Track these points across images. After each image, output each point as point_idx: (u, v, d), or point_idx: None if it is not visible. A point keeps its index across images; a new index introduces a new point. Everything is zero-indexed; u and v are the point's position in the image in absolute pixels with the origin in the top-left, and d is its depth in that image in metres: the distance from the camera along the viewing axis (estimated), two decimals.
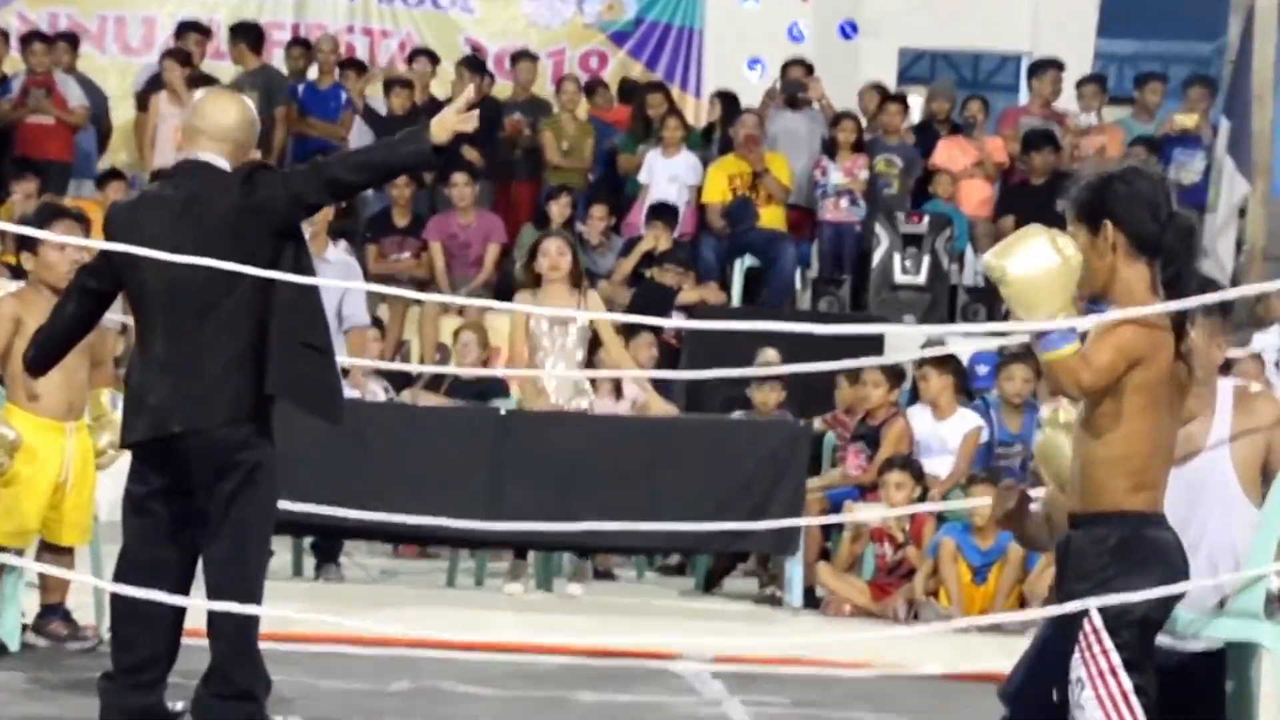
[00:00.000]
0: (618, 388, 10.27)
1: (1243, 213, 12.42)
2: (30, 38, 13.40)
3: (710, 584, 9.69)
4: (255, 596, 5.10)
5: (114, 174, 12.58)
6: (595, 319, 8.66)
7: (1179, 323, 4.23)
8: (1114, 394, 4.16)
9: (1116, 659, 4.08)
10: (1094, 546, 4.14)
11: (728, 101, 13.56)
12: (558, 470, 8.75)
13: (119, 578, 5.13)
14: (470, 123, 5.08)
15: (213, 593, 5.07)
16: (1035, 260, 4.16)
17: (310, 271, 5.15)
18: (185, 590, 5.17)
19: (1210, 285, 4.63)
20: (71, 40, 13.71)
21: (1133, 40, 20.22)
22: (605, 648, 6.89)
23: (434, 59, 14.01)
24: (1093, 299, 4.50)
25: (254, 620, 5.13)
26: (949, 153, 13.28)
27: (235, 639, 5.09)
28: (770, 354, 10.00)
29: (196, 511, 5.13)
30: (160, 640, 5.19)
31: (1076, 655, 4.11)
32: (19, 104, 13.05)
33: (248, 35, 13.51)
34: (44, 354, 5.45)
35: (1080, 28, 15.09)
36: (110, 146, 13.82)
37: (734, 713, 5.95)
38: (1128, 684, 4.07)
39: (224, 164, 5.15)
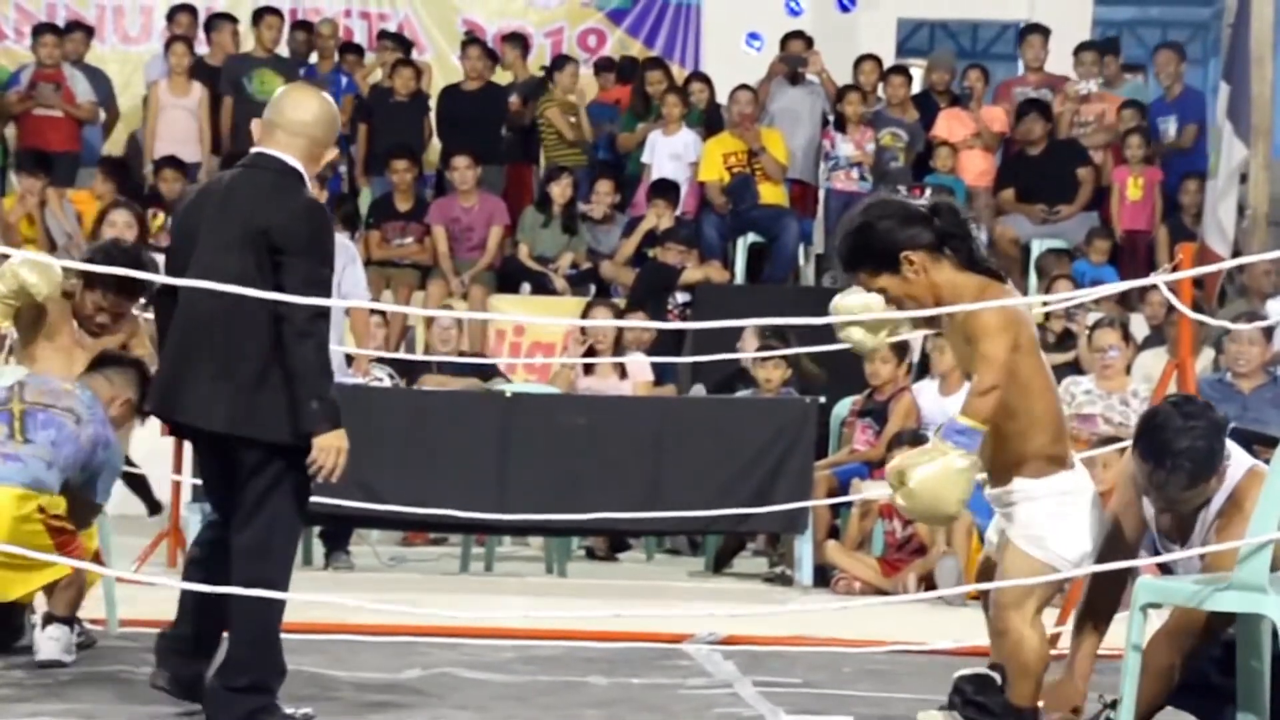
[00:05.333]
0: (621, 368, 10.30)
1: (1244, 178, 12.40)
2: (41, 29, 13.34)
3: (720, 564, 9.71)
4: (276, 588, 5.11)
5: (115, 163, 12.56)
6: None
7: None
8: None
9: None
10: None
11: (707, 80, 13.55)
12: (564, 452, 8.77)
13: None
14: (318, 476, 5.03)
15: (235, 583, 5.09)
16: (934, 469, 4.75)
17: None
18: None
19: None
20: (87, 31, 13.67)
21: (1131, 6, 20.17)
22: (616, 631, 6.91)
23: (405, 44, 14.02)
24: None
25: (274, 612, 5.13)
26: (948, 124, 13.27)
27: (251, 629, 5.10)
28: (750, 335, 10.00)
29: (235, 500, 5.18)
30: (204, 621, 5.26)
31: None
32: (26, 97, 12.97)
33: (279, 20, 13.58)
34: None
35: None
36: (113, 137, 13.80)
37: (746, 693, 5.96)
38: None
39: (294, 161, 5.13)
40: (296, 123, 5.14)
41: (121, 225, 8.27)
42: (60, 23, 14.04)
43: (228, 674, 5.12)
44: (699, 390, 10.43)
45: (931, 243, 4.89)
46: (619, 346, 10.46)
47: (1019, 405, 4.85)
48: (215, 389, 5.06)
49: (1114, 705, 4.81)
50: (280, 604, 5.14)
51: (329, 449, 4.99)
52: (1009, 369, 4.80)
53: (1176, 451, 4.74)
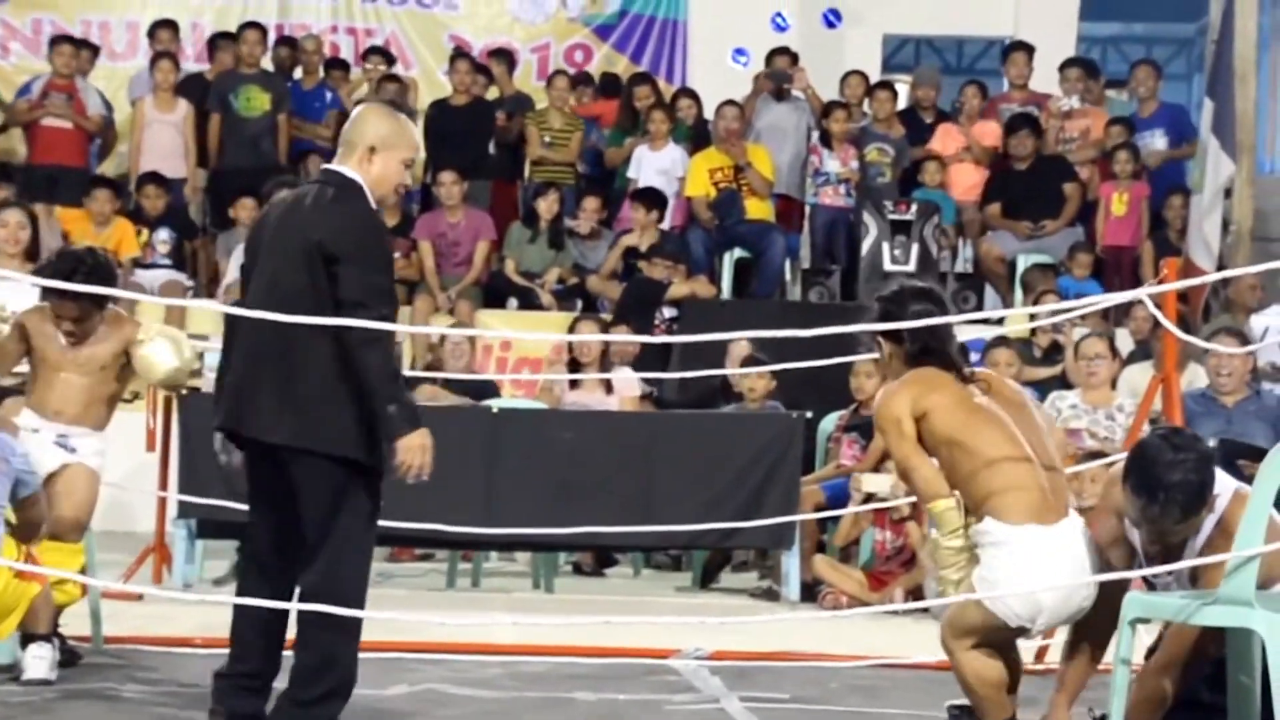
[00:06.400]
0: (607, 384, 10.29)
1: (1228, 193, 12.43)
2: (58, 40, 13.26)
3: (706, 580, 9.71)
4: (350, 603, 5.08)
5: (103, 181, 12.53)
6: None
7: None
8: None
9: None
10: None
11: (695, 96, 13.58)
12: (551, 467, 8.77)
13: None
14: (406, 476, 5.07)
15: (306, 596, 5.08)
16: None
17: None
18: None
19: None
20: (93, 48, 13.61)
21: (1115, 22, 20.23)
22: (603, 647, 6.90)
23: (389, 58, 14.03)
24: None
25: (348, 629, 5.10)
26: (943, 139, 13.31)
27: (323, 643, 5.09)
28: (742, 345, 10.01)
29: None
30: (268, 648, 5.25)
31: None
32: (37, 106, 12.87)
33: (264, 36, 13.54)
34: None
35: (1063, 11, 15.11)
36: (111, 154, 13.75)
37: (732, 709, 5.96)
38: None
39: (353, 174, 5.19)
40: (358, 137, 5.23)
41: (14, 225, 8.22)
42: (45, 39, 14.01)
43: (297, 687, 5.10)
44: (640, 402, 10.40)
45: (902, 353, 5.37)
46: (605, 361, 10.46)
47: (957, 455, 5.16)
48: (279, 403, 5.07)
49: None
50: (355, 622, 5.11)
51: (414, 448, 5.02)
52: (925, 434, 5.20)
53: (1168, 485, 4.76)
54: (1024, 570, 5.02)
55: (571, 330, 10.83)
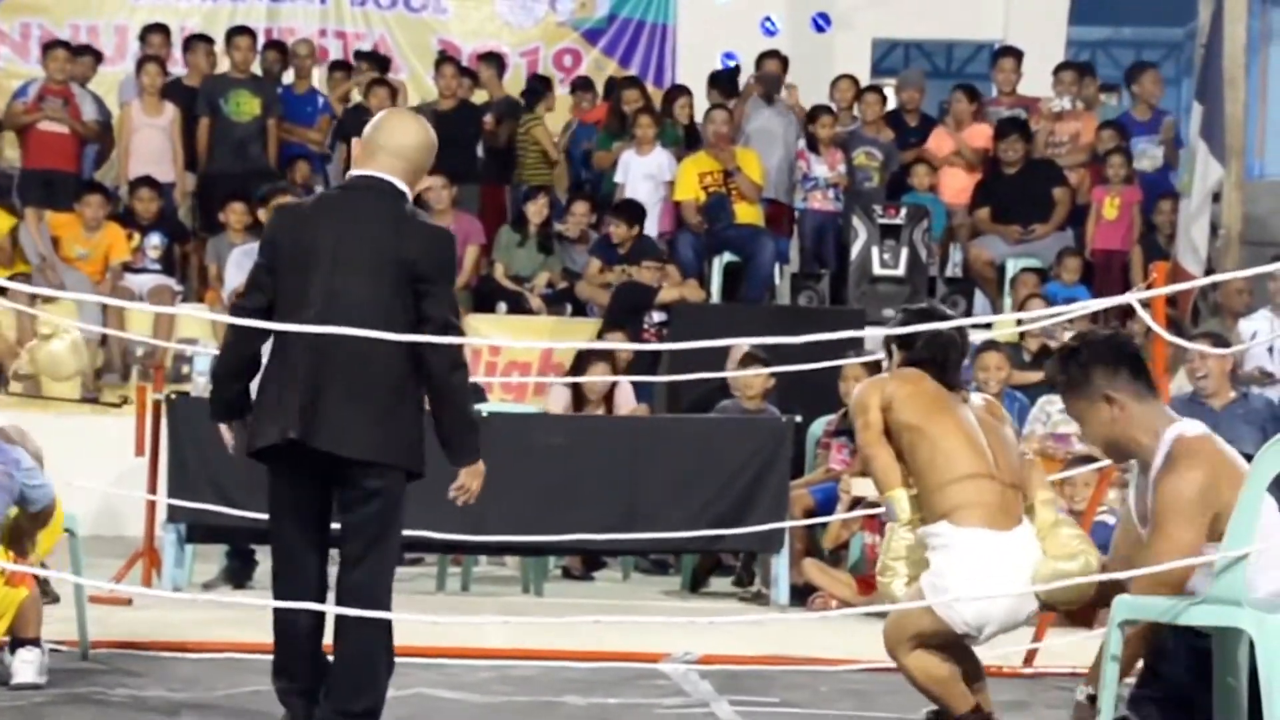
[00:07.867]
0: (609, 400, 10.24)
1: (1217, 197, 12.44)
2: (53, 45, 13.25)
3: (696, 583, 9.70)
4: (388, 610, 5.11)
5: (94, 186, 12.51)
6: None
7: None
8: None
9: None
10: None
11: (690, 94, 13.59)
12: (541, 471, 8.77)
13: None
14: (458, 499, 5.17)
15: (355, 603, 5.10)
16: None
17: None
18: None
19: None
20: (95, 55, 13.58)
21: (1105, 26, 20.28)
22: (593, 651, 6.90)
23: (382, 63, 14.02)
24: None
25: (390, 635, 5.13)
26: (935, 142, 13.33)
27: (370, 653, 5.12)
28: (742, 346, 10.00)
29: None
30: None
31: None
32: (34, 109, 12.84)
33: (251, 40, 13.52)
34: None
35: (1052, 14, 15.15)
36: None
37: (722, 713, 5.96)
38: None
39: (400, 183, 5.14)
40: (400, 146, 5.15)
41: None
42: (34, 43, 13.99)
43: (345, 698, 5.08)
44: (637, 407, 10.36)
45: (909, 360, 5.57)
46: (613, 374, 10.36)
47: (915, 441, 5.30)
48: (353, 416, 5.00)
49: (1093, 700, 4.81)
50: (391, 626, 5.14)
51: (478, 475, 5.17)
52: (891, 423, 5.36)
53: (1086, 339, 5.00)
54: (973, 576, 5.08)
55: (582, 364, 10.53)
